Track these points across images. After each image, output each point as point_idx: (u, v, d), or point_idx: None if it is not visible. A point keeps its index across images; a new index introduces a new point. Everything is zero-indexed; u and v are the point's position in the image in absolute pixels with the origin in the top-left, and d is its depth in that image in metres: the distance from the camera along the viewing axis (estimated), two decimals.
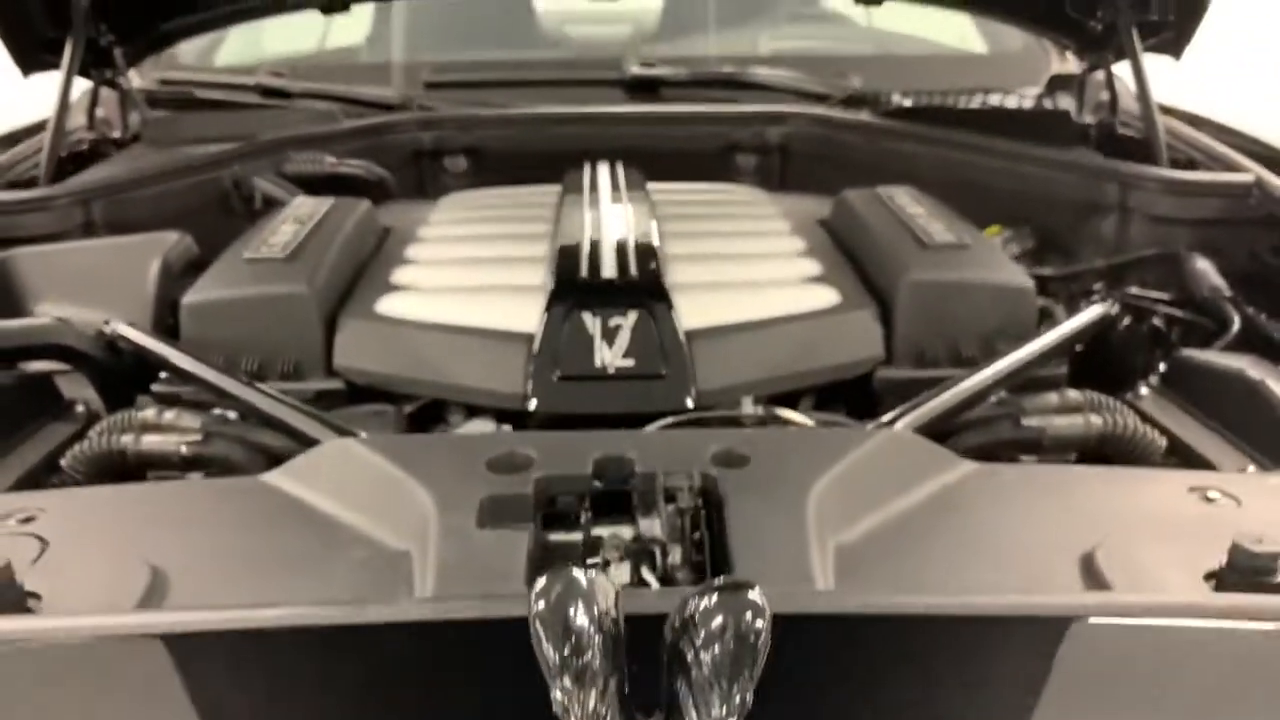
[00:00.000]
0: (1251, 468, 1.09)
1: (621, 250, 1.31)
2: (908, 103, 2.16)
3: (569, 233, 1.39)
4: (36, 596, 0.73)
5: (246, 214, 1.76)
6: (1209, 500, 0.91)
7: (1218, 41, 1.98)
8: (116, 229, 1.64)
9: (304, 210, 1.53)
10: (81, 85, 2.06)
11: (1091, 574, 0.74)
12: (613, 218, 1.44)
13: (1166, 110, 2.11)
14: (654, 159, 1.92)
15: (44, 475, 1.15)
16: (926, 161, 1.82)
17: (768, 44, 2.54)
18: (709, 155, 1.98)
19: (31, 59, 1.92)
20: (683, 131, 1.98)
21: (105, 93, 2.12)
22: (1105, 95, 2.11)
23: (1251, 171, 1.57)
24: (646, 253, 1.31)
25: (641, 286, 1.24)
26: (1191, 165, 1.76)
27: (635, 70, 2.24)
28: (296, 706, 0.65)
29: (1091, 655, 0.61)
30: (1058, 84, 2.36)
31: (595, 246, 1.33)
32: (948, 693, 0.61)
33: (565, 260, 1.30)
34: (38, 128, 2.07)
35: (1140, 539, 0.82)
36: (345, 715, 0.62)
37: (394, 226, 1.65)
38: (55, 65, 1.95)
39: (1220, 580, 0.73)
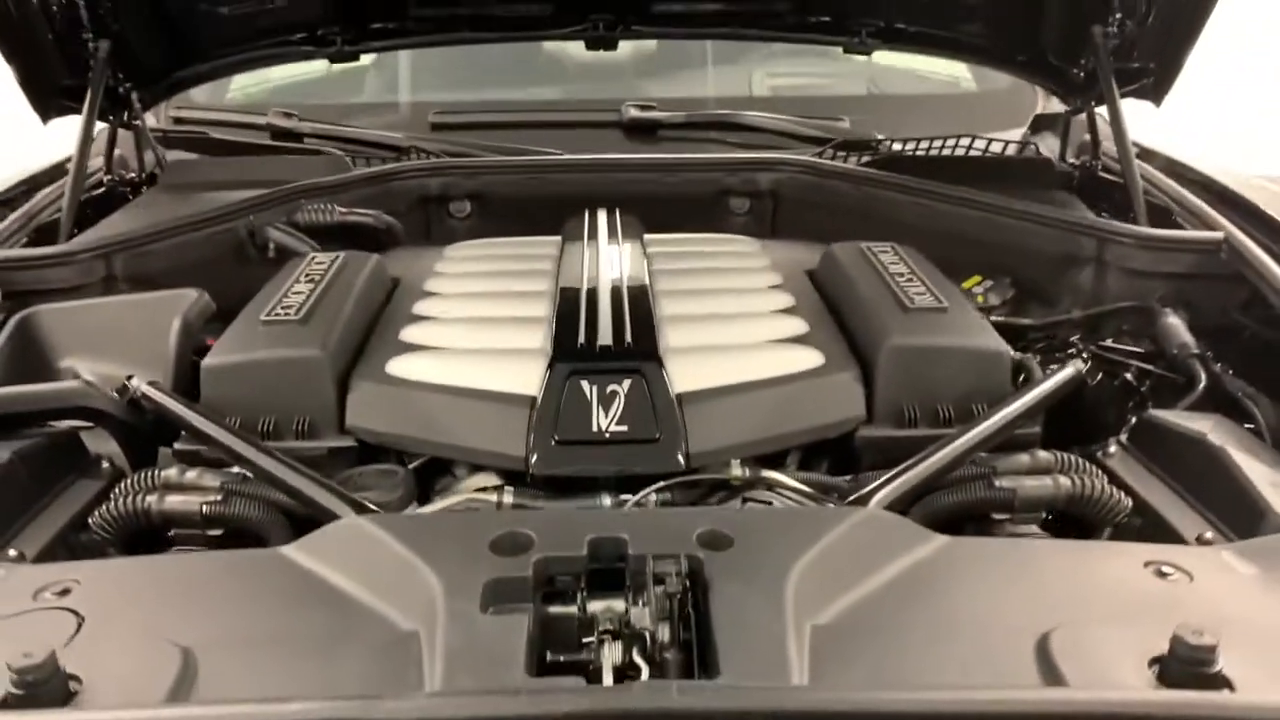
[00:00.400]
0: (1209, 533, 1.15)
1: (617, 315, 1.38)
2: (897, 146, 2.24)
3: (568, 296, 1.46)
4: (77, 679, 0.80)
5: (261, 262, 1.83)
6: (1164, 575, 0.97)
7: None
8: (137, 280, 1.71)
9: (317, 267, 1.60)
10: (97, 126, 2.14)
11: (1046, 661, 0.81)
12: (609, 279, 1.50)
13: (1146, 154, 2.18)
14: (651, 204, 2.00)
15: (72, 533, 1.23)
16: (911, 210, 1.88)
17: (764, 80, 2.61)
18: (703, 200, 2.05)
19: (50, 105, 2.00)
20: (678, 177, 2.04)
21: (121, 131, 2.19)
22: (1088, 136, 2.18)
23: (1222, 229, 1.63)
24: (641, 319, 1.38)
25: (636, 353, 1.31)
26: (1168, 214, 1.82)
27: (633, 113, 2.32)
28: None
29: None
30: (1043, 123, 2.43)
31: (592, 311, 1.40)
32: None
33: (564, 327, 1.37)
34: (56, 170, 2.15)
35: (1095, 620, 0.88)
36: None
37: (402, 277, 1.72)
38: (72, 110, 2.02)
39: (1163, 668, 0.79)
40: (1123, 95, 2.07)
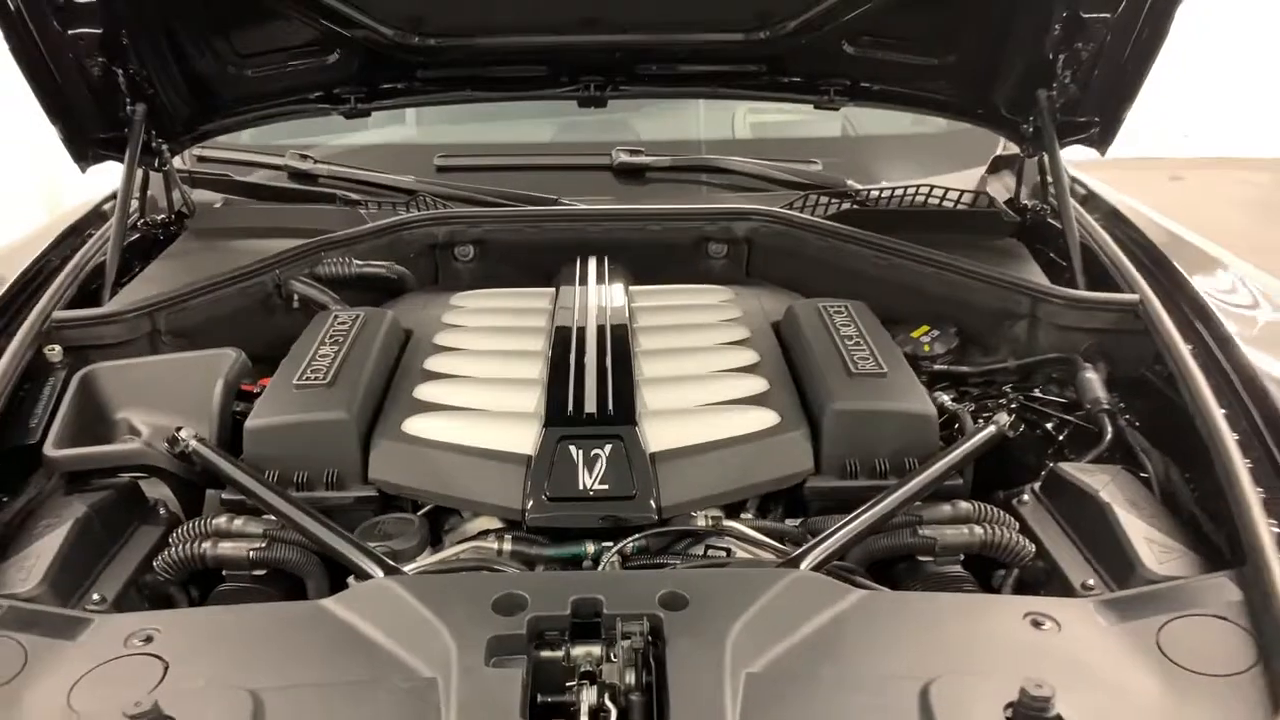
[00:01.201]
0: (1092, 580, 1.38)
1: (601, 383, 1.60)
2: (861, 187, 2.45)
3: (559, 360, 1.68)
4: None
5: (287, 312, 2.05)
6: (1038, 625, 1.20)
7: None
8: (177, 333, 1.93)
9: (340, 328, 1.81)
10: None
11: (925, 707, 1.04)
12: (595, 344, 1.72)
13: (1091, 197, 2.39)
14: (637, 249, 2.21)
15: (140, 576, 1.46)
16: (870, 262, 2.09)
17: (745, 119, 2.80)
18: (685, 246, 2.25)
19: (87, 156, 2.21)
20: (662, 225, 2.24)
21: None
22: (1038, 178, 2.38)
23: (1140, 291, 1.84)
24: (622, 387, 1.59)
25: (616, 419, 1.53)
26: (1100, 268, 2.03)
27: (623, 158, 2.53)
28: None
29: None
30: (1002, 163, 2.63)
31: (580, 378, 1.62)
32: None
33: (555, 393, 1.59)
34: (95, 215, 2.36)
35: (971, 669, 1.11)
36: None
37: (414, 330, 1.94)
38: (106, 158, 2.23)
39: (1014, 713, 1.02)
40: (1070, 144, 2.28)
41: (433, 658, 1.11)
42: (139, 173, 2.34)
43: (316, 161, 2.59)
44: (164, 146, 2.32)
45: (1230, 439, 1.40)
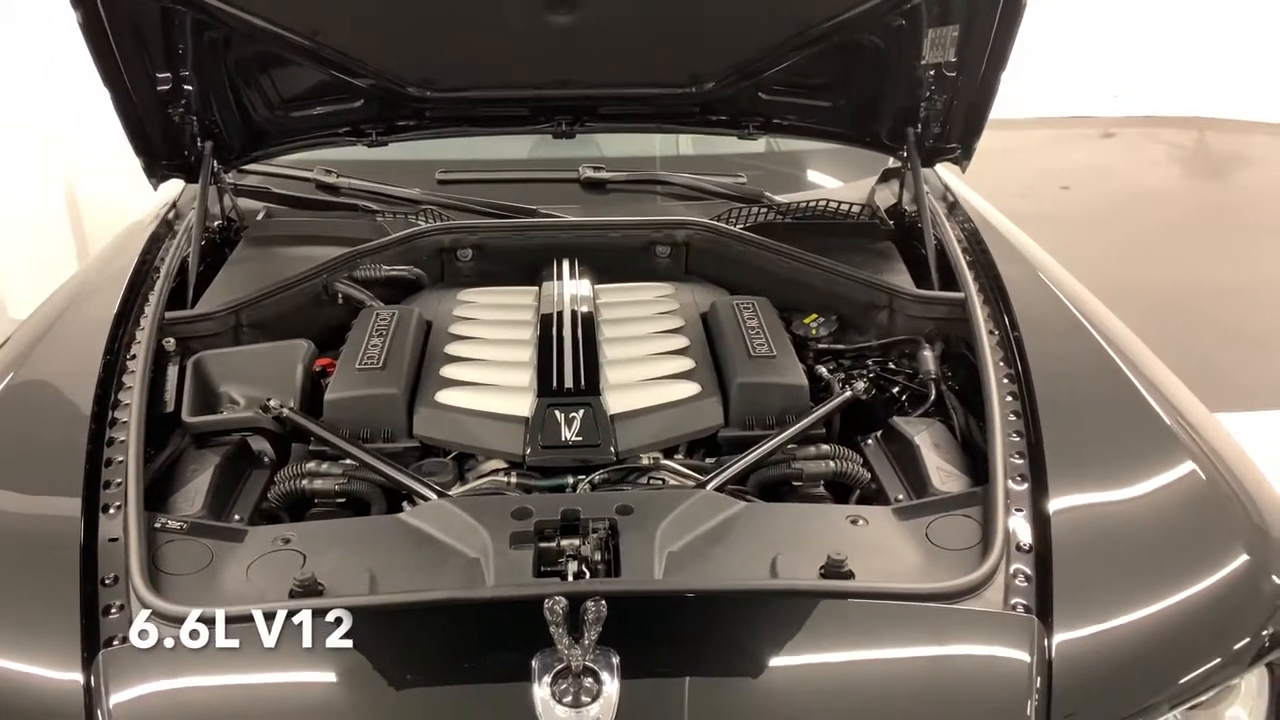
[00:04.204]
0: (901, 496, 2.09)
1: (576, 366, 2.26)
2: (780, 199, 3.12)
3: (545, 349, 2.33)
4: (322, 584, 1.70)
5: (333, 306, 2.69)
6: (854, 523, 1.90)
7: None
8: (255, 325, 2.55)
9: (382, 323, 2.45)
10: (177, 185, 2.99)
11: (774, 568, 1.74)
12: (570, 336, 2.37)
13: (957, 204, 3.06)
14: (600, 251, 2.86)
15: (260, 503, 2.12)
16: (777, 264, 2.75)
17: (690, 137, 3.46)
18: (636, 249, 2.90)
19: (157, 175, 2.82)
20: (619, 233, 2.88)
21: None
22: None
23: (966, 290, 2.52)
24: (590, 369, 2.26)
25: (586, 392, 2.20)
26: (950, 269, 2.71)
27: (588, 174, 3.17)
28: (439, 631, 1.64)
29: (762, 610, 1.63)
30: (890, 173, 3.30)
31: (560, 363, 2.27)
32: (711, 626, 1.61)
33: (543, 373, 2.25)
34: (164, 225, 2.95)
35: (806, 549, 1.81)
36: (463, 637, 1.62)
37: (433, 321, 2.58)
38: (172, 176, 2.85)
39: (824, 570, 1.72)
40: (939, 162, 2.97)
41: (476, 546, 1.79)
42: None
43: (339, 175, 3.19)
44: (222, 170, 2.93)
45: (996, 401, 2.09)
